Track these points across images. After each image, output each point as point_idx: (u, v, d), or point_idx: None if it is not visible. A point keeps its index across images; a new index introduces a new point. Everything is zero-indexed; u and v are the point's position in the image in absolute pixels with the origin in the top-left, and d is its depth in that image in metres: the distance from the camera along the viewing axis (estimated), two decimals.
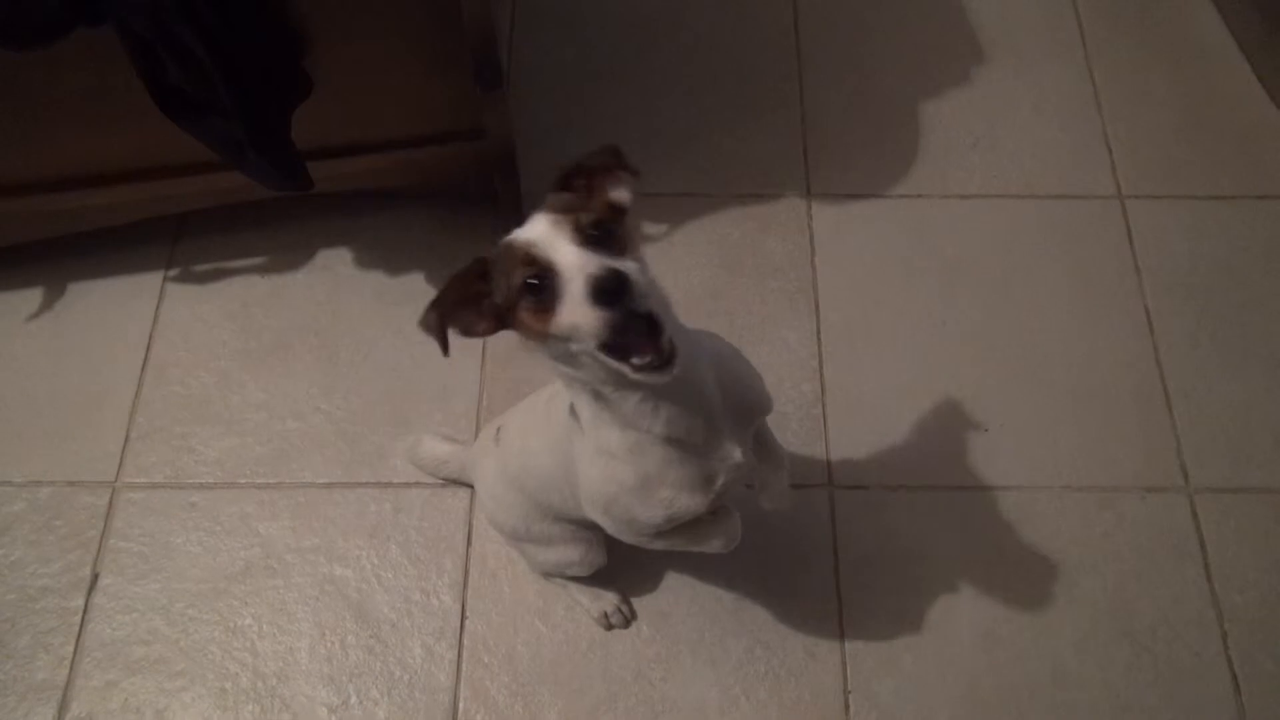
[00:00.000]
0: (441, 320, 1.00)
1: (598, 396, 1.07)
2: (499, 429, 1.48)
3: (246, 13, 1.38)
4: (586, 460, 1.17)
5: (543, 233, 0.97)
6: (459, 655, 1.61)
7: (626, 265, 0.93)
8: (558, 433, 1.24)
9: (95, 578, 1.67)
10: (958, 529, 1.70)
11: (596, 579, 1.58)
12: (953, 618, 1.63)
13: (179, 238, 1.96)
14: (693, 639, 1.62)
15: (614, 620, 1.62)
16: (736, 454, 1.14)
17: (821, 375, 1.83)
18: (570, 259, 0.94)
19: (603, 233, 0.97)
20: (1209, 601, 1.64)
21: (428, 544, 1.69)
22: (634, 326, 0.93)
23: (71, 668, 1.60)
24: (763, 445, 1.36)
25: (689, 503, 1.15)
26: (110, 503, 1.73)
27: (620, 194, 1.05)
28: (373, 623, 1.63)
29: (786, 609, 1.64)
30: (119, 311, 1.90)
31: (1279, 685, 1.58)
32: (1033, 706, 1.57)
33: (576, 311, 0.93)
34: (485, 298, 1.01)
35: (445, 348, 1.00)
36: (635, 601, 1.65)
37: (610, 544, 1.46)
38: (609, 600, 1.62)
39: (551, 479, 1.32)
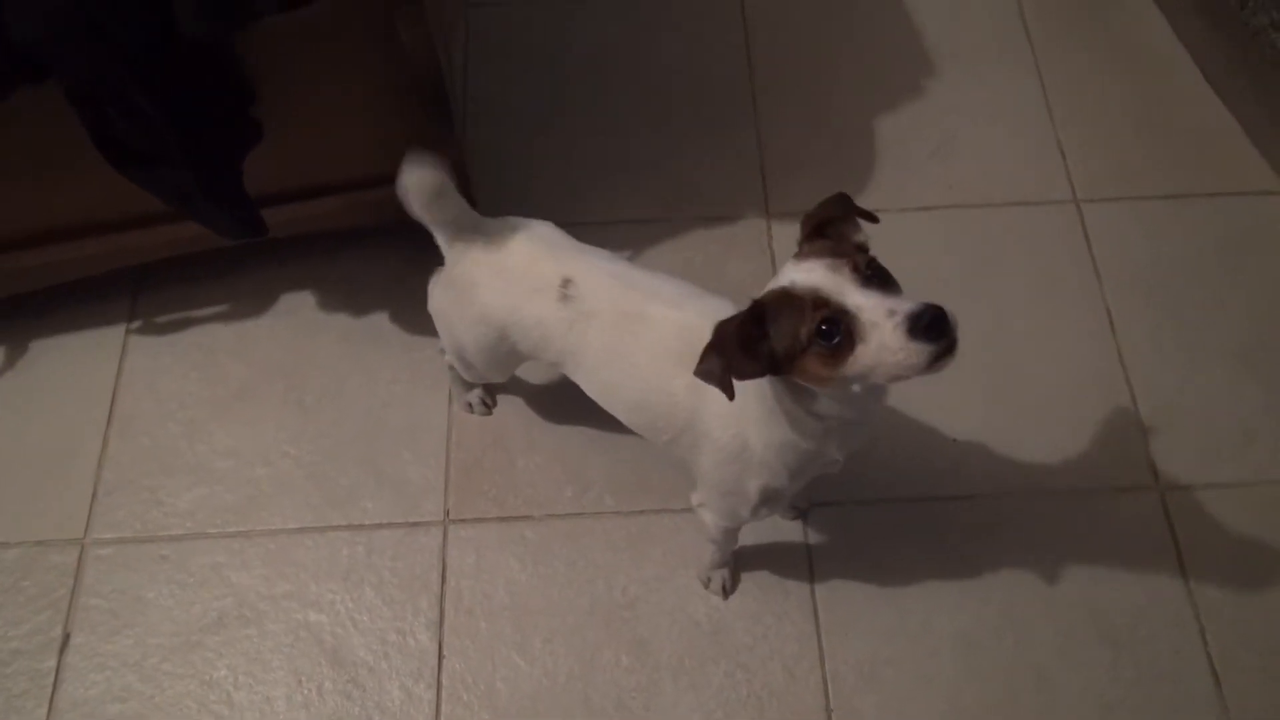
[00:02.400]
0: (726, 369, 1.04)
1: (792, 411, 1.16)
2: (566, 281, 1.36)
3: (193, 65, 1.38)
4: (728, 424, 1.26)
5: (825, 278, 1.02)
6: (438, 695, 1.59)
7: (938, 304, 0.98)
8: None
9: (67, 637, 1.65)
10: (931, 540, 1.70)
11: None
12: (932, 629, 1.63)
13: (140, 290, 1.95)
14: (673, 665, 1.61)
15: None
16: (840, 459, 1.25)
17: None
18: (870, 302, 0.99)
19: (876, 272, 1.03)
20: (1185, 599, 1.64)
21: (402, 584, 1.68)
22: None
23: None
24: None
25: (787, 487, 1.29)
26: (79, 560, 1.71)
27: (861, 237, 1.12)
28: (349, 667, 1.62)
29: (765, 630, 1.63)
30: (82, 367, 1.88)
31: (1259, 678, 1.58)
32: (1016, 712, 1.56)
33: (889, 349, 0.98)
34: (760, 342, 1.05)
35: (731, 393, 1.05)
36: (611, 631, 1.64)
37: None
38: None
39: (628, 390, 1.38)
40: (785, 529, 1.70)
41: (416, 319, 1.92)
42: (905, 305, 0.98)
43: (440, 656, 1.62)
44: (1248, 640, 1.60)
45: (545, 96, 2.20)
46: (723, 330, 1.05)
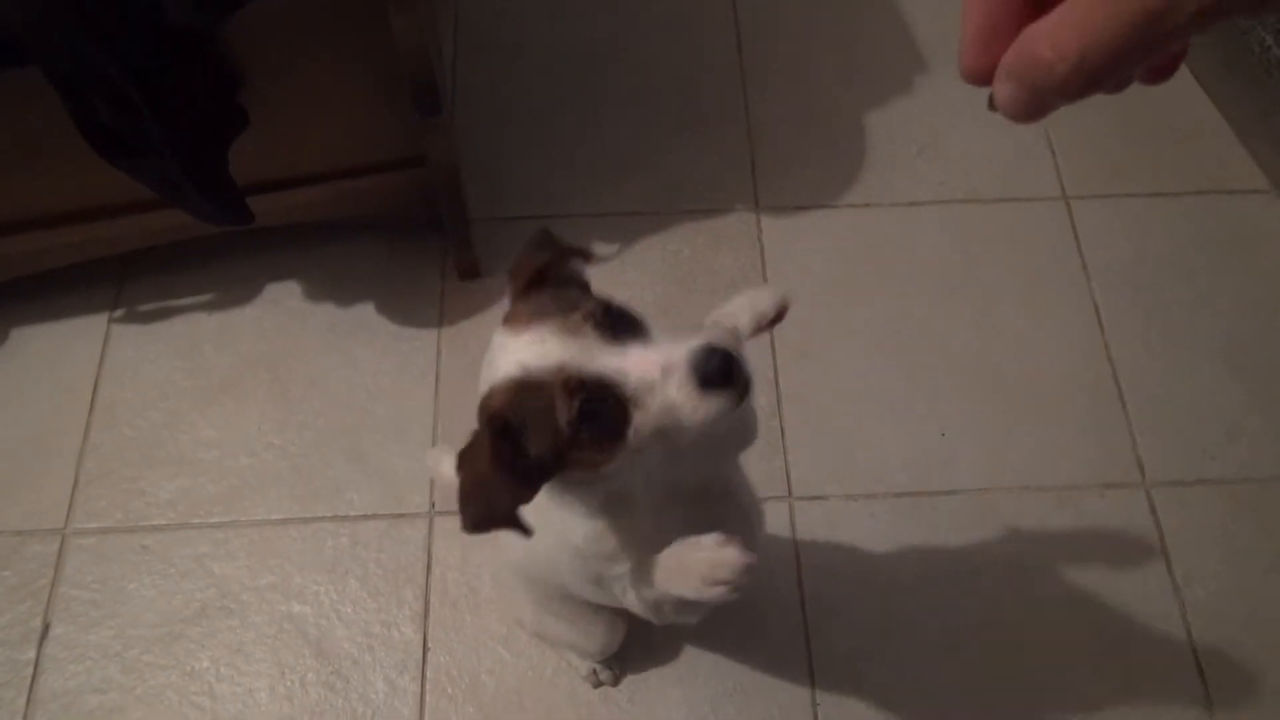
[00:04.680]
0: (499, 509, 0.83)
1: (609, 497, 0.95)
2: None
3: (177, 50, 1.36)
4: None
5: (565, 347, 0.80)
6: (422, 688, 1.58)
7: (713, 339, 0.80)
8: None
9: (46, 628, 1.63)
10: (919, 535, 1.70)
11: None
12: (918, 624, 1.63)
13: (124, 278, 1.93)
14: (658, 657, 1.60)
15: (603, 678, 1.57)
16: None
17: (778, 387, 1.83)
18: (633, 361, 0.80)
19: (619, 317, 0.83)
20: (1171, 596, 1.64)
21: (387, 576, 1.67)
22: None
23: None
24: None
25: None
26: (60, 551, 1.69)
27: (581, 274, 0.93)
28: (333, 659, 1.61)
29: (750, 621, 1.62)
30: (64, 355, 1.86)
31: (1245, 677, 1.58)
32: (1002, 708, 1.57)
33: (678, 408, 0.80)
34: (517, 458, 0.82)
35: (525, 528, 0.85)
36: None
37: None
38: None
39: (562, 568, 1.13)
40: (772, 519, 1.70)
41: (403, 310, 1.91)
42: (679, 353, 0.80)
43: (425, 649, 1.61)
44: (1234, 637, 1.61)
45: (535, 89, 2.19)
46: (471, 466, 0.84)
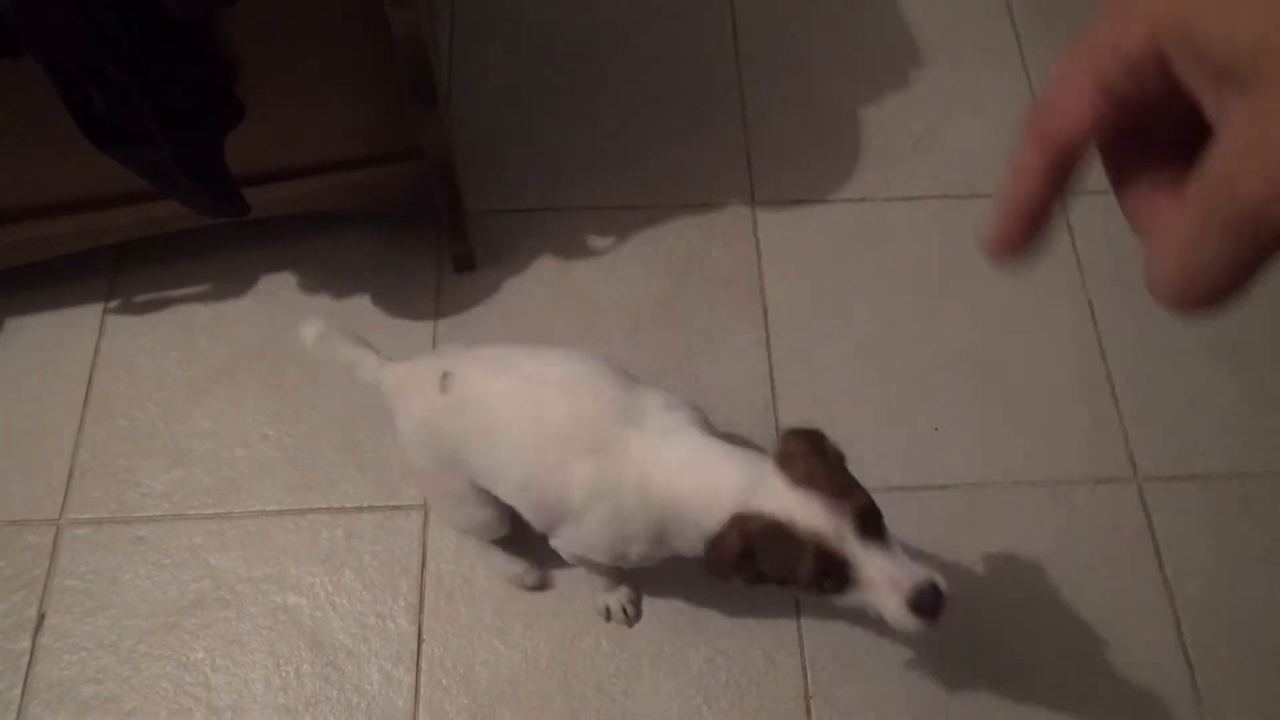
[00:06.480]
0: (727, 577, 1.13)
1: None
2: (445, 374, 1.31)
3: (171, 39, 1.36)
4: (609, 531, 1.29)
5: (827, 523, 1.03)
6: (417, 679, 1.59)
7: (937, 578, 1.05)
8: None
9: (41, 618, 1.63)
10: (912, 529, 1.69)
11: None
12: None
13: (118, 269, 1.92)
14: (652, 651, 1.61)
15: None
16: None
17: (772, 381, 1.83)
18: (874, 562, 1.04)
19: (872, 519, 1.06)
20: (1161, 590, 1.66)
21: (382, 568, 1.67)
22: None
23: (19, 712, 1.56)
24: None
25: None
26: (55, 541, 1.69)
27: (833, 444, 1.19)
28: (328, 650, 1.61)
29: (744, 617, 1.63)
30: (58, 346, 1.86)
31: (1234, 671, 1.59)
32: (993, 701, 1.58)
33: (884, 608, 1.05)
34: (749, 560, 1.09)
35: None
36: (591, 616, 1.64)
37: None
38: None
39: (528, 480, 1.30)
40: None
41: (398, 302, 1.91)
42: (908, 577, 1.04)
43: (420, 640, 1.62)
44: (1223, 632, 1.62)
45: (531, 80, 2.19)
46: (718, 559, 1.12)
